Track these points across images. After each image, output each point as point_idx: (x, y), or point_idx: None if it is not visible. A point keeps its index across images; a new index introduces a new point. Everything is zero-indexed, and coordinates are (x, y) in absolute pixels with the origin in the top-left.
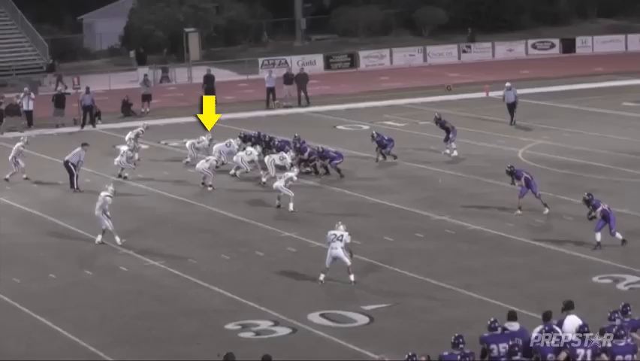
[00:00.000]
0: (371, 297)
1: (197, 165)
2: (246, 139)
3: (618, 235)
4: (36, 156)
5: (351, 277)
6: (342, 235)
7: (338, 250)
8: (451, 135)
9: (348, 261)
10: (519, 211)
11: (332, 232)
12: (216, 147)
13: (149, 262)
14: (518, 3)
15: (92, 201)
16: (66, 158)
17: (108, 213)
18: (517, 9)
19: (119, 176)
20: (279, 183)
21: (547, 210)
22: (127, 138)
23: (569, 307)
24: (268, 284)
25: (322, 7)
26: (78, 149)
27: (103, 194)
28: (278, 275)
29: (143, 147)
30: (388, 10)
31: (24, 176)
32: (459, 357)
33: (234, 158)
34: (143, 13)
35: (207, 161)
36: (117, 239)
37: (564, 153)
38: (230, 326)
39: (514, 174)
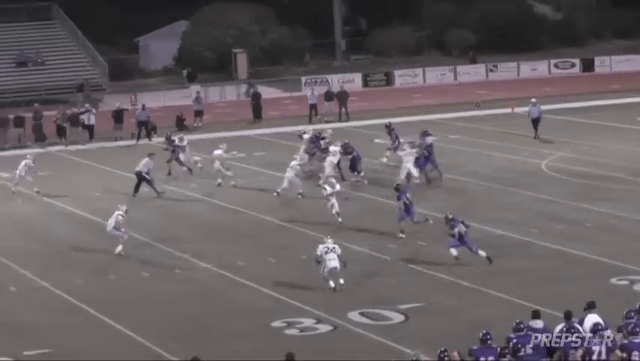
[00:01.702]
0: (406, 297)
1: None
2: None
3: (482, 253)
4: (94, 166)
5: (341, 281)
6: (334, 247)
7: (335, 260)
8: (396, 144)
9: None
10: (402, 235)
11: (323, 245)
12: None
13: (202, 264)
14: (540, 26)
15: (147, 208)
16: (137, 169)
17: (122, 230)
18: (540, 31)
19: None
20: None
21: (430, 221)
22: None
23: (590, 307)
24: (311, 285)
25: (360, 30)
26: (146, 159)
27: (116, 213)
28: (320, 277)
29: (196, 158)
30: (421, 33)
31: (35, 189)
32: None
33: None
34: (194, 36)
35: (292, 168)
36: (119, 248)
37: (583, 165)
38: (276, 324)
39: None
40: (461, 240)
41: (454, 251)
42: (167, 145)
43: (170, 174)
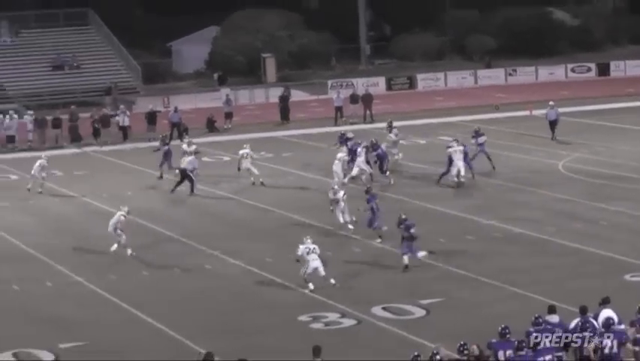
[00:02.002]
0: (427, 292)
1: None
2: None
3: (421, 253)
4: (128, 166)
5: (332, 281)
6: (314, 247)
7: (317, 260)
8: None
9: (323, 271)
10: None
11: (302, 247)
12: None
13: (231, 261)
14: (559, 32)
15: (180, 207)
16: (182, 166)
17: (119, 230)
18: (558, 37)
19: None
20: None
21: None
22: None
23: (605, 302)
24: (336, 280)
25: (384, 35)
26: (191, 157)
27: (118, 213)
28: (345, 273)
29: (225, 158)
30: (443, 38)
31: (39, 190)
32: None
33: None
34: (225, 41)
35: (340, 160)
36: (129, 251)
37: (599, 165)
38: (302, 318)
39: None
40: (410, 240)
41: (408, 256)
42: (160, 146)
43: (161, 177)
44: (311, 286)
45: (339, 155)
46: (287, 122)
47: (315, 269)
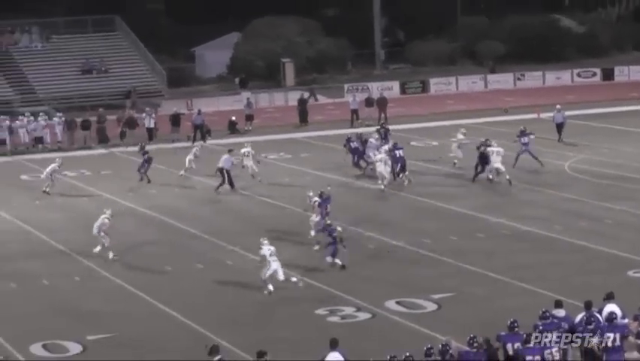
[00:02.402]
0: (439, 287)
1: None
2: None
3: (337, 261)
4: (153, 166)
5: (293, 279)
6: (274, 249)
7: (277, 262)
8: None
9: (282, 276)
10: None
11: (266, 248)
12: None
13: (251, 256)
14: (565, 38)
15: (202, 205)
16: (219, 165)
17: (103, 233)
18: (565, 43)
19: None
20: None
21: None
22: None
23: (609, 298)
24: (352, 276)
25: (398, 41)
26: (226, 155)
27: (102, 216)
28: (360, 268)
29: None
30: (454, 44)
31: (45, 189)
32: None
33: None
34: (246, 46)
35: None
36: (110, 254)
37: (604, 166)
38: (319, 312)
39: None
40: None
41: (329, 259)
42: (141, 154)
43: (149, 181)
44: (270, 287)
45: (379, 156)
46: (305, 124)
47: (275, 271)
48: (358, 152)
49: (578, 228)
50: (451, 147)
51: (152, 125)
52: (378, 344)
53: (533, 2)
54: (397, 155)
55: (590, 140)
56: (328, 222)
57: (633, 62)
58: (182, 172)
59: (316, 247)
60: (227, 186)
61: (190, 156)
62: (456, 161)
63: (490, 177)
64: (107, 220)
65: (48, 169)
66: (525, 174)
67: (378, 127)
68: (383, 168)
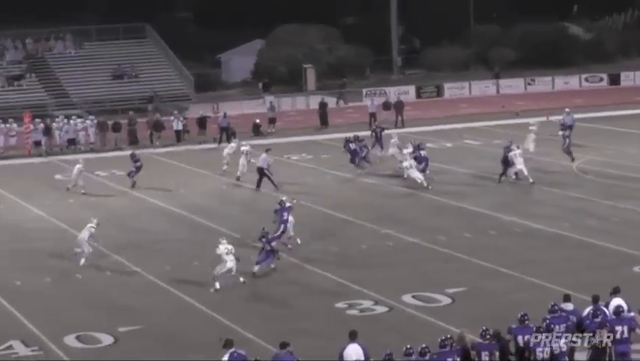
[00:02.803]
0: (453, 282)
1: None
2: None
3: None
4: (181, 166)
5: (241, 279)
6: (232, 248)
7: (233, 261)
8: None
9: (235, 272)
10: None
11: (222, 247)
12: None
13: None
14: (574, 45)
15: (229, 204)
16: (258, 165)
17: (91, 240)
18: (573, 50)
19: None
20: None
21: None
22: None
23: (615, 292)
24: (370, 271)
25: (414, 48)
26: (264, 155)
27: (88, 225)
28: (378, 264)
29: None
30: (468, 50)
31: (70, 186)
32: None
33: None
34: (269, 53)
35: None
36: (82, 260)
37: (610, 167)
38: (339, 305)
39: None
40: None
41: (256, 268)
42: (132, 161)
43: (133, 185)
44: (217, 285)
45: (406, 163)
46: (325, 126)
47: (230, 270)
48: (357, 153)
49: (586, 225)
50: (525, 140)
51: (179, 128)
52: (396, 337)
53: (543, 11)
54: (421, 155)
55: (596, 142)
56: (266, 230)
57: (639, 67)
58: (237, 174)
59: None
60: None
61: (242, 160)
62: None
63: (514, 176)
64: (93, 230)
65: (75, 170)
66: (535, 175)
67: (374, 127)
68: (415, 173)
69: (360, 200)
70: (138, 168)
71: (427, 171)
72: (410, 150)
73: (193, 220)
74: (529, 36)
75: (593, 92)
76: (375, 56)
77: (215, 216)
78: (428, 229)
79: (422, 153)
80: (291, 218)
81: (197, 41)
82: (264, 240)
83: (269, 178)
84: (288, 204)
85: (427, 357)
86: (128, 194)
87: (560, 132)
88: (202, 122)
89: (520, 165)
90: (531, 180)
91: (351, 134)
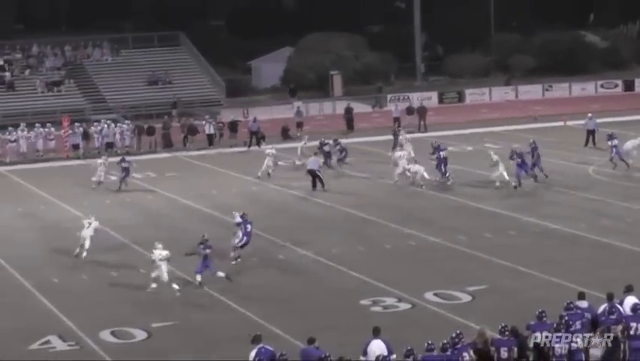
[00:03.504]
0: (473, 280)
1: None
2: None
3: (220, 274)
4: (212, 169)
5: (175, 286)
6: (167, 253)
7: (165, 267)
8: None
9: (165, 278)
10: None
11: (157, 252)
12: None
13: (301, 252)
14: (590, 52)
15: (257, 204)
16: (309, 167)
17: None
18: (589, 57)
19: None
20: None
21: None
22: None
23: (629, 290)
24: (394, 270)
25: (437, 55)
26: (313, 157)
27: (87, 221)
28: (401, 263)
29: (297, 163)
30: (488, 58)
31: (97, 180)
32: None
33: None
34: (298, 59)
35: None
36: (84, 254)
37: (624, 170)
38: (363, 302)
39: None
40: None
41: (199, 277)
42: (120, 164)
43: (119, 189)
44: (154, 285)
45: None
46: (351, 131)
47: (159, 275)
48: (330, 155)
49: (601, 226)
50: (625, 147)
51: (211, 132)
52: (418, 332)
53: (560, 20)
54: (441, 155)
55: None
56: (206, 237)
57: None
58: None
59: (233, 262)
60: (317, 185)
61: (268, 162)
62: (630, 161)
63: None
64: (96, 225)
65: (99, 168)
66: (553, 177)
67: (394, 129)
68: (420, 172)
69: (384, 201)
70: (125, 171)
71: (447, 172)
72: (403, 152)
73: (223, 220)
74: (547, 44)
75: (609, 98)
76: (400, 63)
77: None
78: (449, 229)
79: (442, 154)
80: (240, 233)
81: (229, 48)
82: (201, 246)
83: (320, 180)
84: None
85: (449, 352)
86: (162, 195)
87: (609, 142)
88: (233, 126)
89: (501, 169)
90: (513, 184)
91: (330, 140)
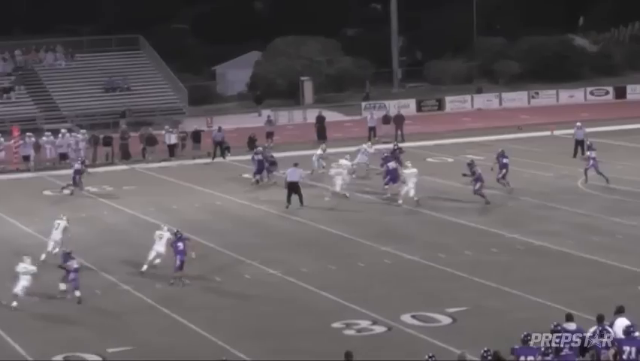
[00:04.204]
0: (454, 301)
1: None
2: None
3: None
4: (174, 182)
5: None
6: (33, 270)
7: (26, 281)
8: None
9: (20, 292)
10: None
11: (22, 265)
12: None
13: (269, 271)
14: (579, 57)
15: (222, 219)
16: (287, 180)
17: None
18: (579, 62)
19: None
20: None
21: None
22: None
23: (620, 311)
24: (368, 290)
25: (415, 60)
26: (292, 168)
27: (62, 223)
28: (376, 283)
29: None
30: (471, 63)
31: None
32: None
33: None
34: (266, 65)
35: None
36: (56, 249)
37: (616, 182)
38: (336, 325)
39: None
40: (75, 273)
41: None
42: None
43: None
44: (14, 303)
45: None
46: (324, 141)
47: (17, 293)
48: (262, 165)
49: (590, 242)
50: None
51: (172, 142)
52: (394, 357)
53: (548, 23)
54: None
55: (602, 156)
56: (68, 251)
57: None
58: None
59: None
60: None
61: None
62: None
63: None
64: (66, 225)
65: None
66: (538, 190)
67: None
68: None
69: (358, 217)
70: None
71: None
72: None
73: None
74: (534, 49)
75: (599, 105)
76: (376, 68)
77: (207, 231)
78: (428, 246)
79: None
80: (163, 249)
81: (193, 53)
82: (67, 260)
83: (299, 194)
84: (181, 235)
85: None
86: (119, 210)
87: (587, 153)
88: (196, 136)
89: (410, 184)
90: (416, 198)
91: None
